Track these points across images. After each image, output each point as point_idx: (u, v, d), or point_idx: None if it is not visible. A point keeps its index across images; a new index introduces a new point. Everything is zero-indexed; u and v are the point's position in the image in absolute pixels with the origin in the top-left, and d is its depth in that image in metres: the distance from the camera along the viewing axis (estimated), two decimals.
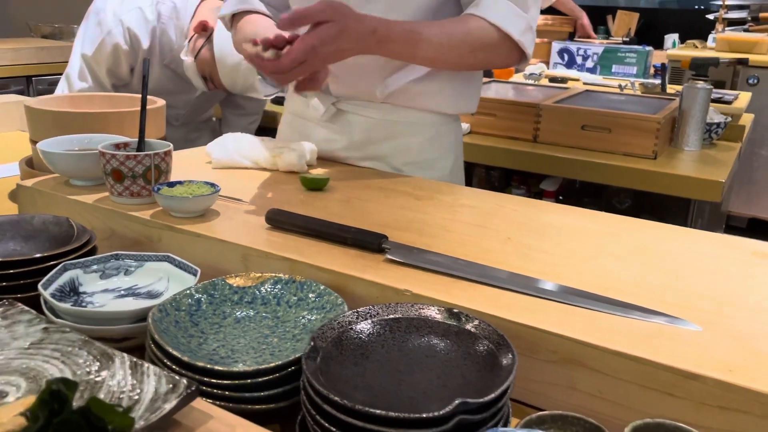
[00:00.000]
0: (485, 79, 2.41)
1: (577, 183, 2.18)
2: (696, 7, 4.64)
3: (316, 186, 1.03)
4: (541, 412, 0.54)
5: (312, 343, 0.56)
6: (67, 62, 1.82)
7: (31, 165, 1.20)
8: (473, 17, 1.07)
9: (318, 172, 1.14)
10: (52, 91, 2.21)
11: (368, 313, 0.62)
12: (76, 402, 0.46)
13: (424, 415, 0.47)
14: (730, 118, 1.90)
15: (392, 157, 1.21)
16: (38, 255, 0.75)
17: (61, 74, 1.84)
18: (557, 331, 0.62)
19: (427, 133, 1.21)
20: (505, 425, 0.52)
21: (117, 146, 0.95)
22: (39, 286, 0.69)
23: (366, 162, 1.22)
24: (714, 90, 1.85)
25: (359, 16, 0.96)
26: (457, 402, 0.48)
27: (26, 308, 0.63)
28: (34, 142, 1.11)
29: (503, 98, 1.98)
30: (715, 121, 1.85)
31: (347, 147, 1.22)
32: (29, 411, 0.44)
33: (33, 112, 1.13)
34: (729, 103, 2.18)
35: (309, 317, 0.69)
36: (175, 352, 0.58)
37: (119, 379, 0.53)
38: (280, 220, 0.85)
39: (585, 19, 3.87)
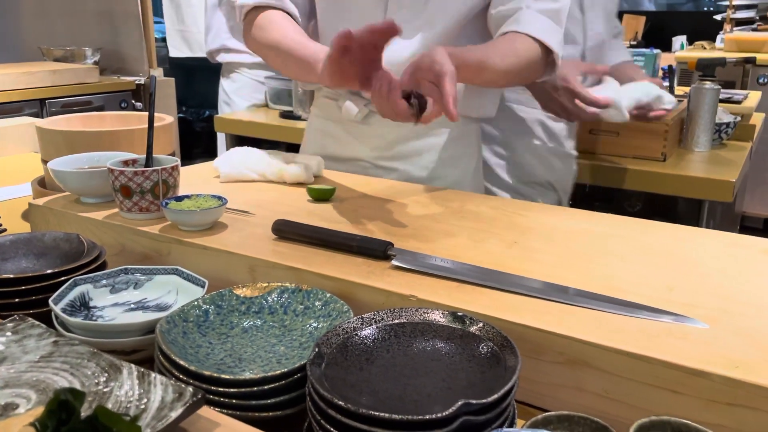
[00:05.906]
0: None
1: (586, 187, 2.17)
2: (704, 8, 4.63)
3: (322, 196, 1.04)
4: (546, 413, 0.54)
5: (317, 350, 0.56)
6: (79, 84, 1.83)
7: (43, 185, 1.21)
8: (518, 35, 1.11)
9: (325, 183, 1.15)
10: (64, 113, 2.24)
11: (373, 318, 0.62)
12: (84, 412, 0.46)
13: (428, 417, 0.47)
14: (739, 118, 1.89)
15: (420, 155, 1.26)
16: (49, 271, 0.76)
17: (73, 96, 1.86)
18: (563, 333, 0.62)
19: (453, 132, 1.27)
20: (511, 426, 0.52)
21: (125, 163, 0.97)
22: (50, 301, 0.70)
23: (395, 162, 1.26)
24: (723, 90, 1.84)
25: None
26: (460, 403, 0.48)
27: (36, 323, 0.64)
28: (45, 162, 1.13)
29: None
30: (724, 121, 1.83)
31: (378, 146, 1.26)
32: (38, 421, 0.45)
33: (44, 133, 1.14)
34: (738, 102, 2.16)
35: (315, 325, 0.69)
36: (182, 362, 0.58)
37: (127, 389, 0.53)
38: (286, 231, 0.86)
39: None
